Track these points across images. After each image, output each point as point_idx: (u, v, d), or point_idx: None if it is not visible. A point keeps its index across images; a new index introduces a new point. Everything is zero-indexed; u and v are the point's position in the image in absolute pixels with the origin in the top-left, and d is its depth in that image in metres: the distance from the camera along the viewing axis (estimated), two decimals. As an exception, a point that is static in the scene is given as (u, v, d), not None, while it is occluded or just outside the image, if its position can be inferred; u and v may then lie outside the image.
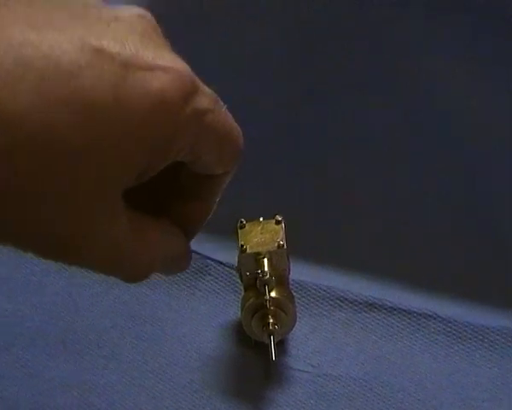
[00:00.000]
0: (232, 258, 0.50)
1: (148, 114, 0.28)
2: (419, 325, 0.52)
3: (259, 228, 0.50)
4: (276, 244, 0.49)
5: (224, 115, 0.33)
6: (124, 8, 0.31)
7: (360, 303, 0.54)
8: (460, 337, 0.52)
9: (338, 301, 0.54)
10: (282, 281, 0.50)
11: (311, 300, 0.54)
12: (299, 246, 0.50)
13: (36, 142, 0.26)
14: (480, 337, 0.51)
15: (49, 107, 0.26)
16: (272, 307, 0.49)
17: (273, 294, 0.49)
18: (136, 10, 0.31)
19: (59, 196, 0.28)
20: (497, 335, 0.51)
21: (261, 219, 0.50)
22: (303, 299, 0.54)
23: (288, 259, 0.49)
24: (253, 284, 0.49)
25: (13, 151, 0.26)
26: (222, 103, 0.33)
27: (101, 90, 0.27)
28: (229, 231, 0.50)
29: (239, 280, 0.50)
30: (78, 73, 0.26)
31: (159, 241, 0.35)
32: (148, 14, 0.32)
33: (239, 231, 0.50)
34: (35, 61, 0.26)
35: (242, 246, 0.49)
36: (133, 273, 0.35)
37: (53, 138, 0.26)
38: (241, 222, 0.50)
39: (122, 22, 0.30)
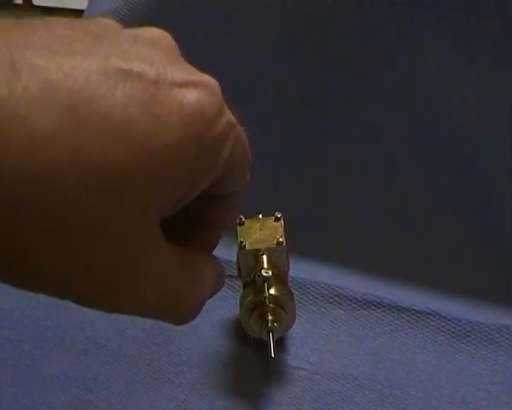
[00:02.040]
0: (231, 255, 0.50)
1: (187, 126, 0.27)
2: (418, 322, 0.52)
3: (259, 225, 0.50)
4: (276, 241, 0.49)
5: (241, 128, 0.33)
6: (143, 29, 0.30)
7: (359, 301, 0.54)
8: (459, 335, 0.52)
9: (337, 299, 0.54)
10: (281, 278, 0.49)
11: (311, 297, 0.54)
12: (299, 243, 0.49)
13: (70, 163, 0.24)
14: (480, 335, 0.51)
15: (82, 127, 0.24)
16: (271, 305, 0.49)
17: (272, 291, 0.49)
18: (155, 29, 0.30)
19: (94, 225, 0.25)
20: (497, 333, 0.51)
21: (260, 215, 0.50)
22: (302, 296, 0.54)
23: (288, 256, 0.49)
24: (252, 281, 0.49)
25: (48, 173, 0.24)
26: None
27: (133, 108, 0.26)
28: (228, 227, 0.50)
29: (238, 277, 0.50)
30: (108, 93, 0.25)
31: (205, 269, 0.34)
32: (167, 34, 0.31)
33: (238, 227, 0.50)
34: (61, 83, 0.24)
35: (241, 243, 0.49)
36: (185, 312, 0.33)
37: (89, 159, 0.24)
38: (241, 219, 0.50)
39: (144, 41, 0.29)
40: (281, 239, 0.49)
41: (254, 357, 0.51)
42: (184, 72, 0.28)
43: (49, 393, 0.49)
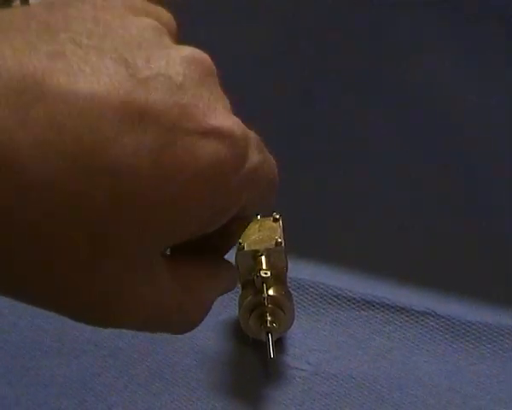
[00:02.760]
0: (229, 255, 0.50)
1: (200, 180, 0.25)
2: (417, 322, 0.52)
3: (257, 226, 0.50)
4: (274, 242, 0.49)
5: (270, 157, 0.30)
6: (180, 48, 0.27)
7: (358, 301, 0.53)
8: (459, 335, 0.52)
9: (336, 299, 0.54)
10: (279, 279, 0.49)
11: (309, 298, 0.54)
12: (297, 244, 0.50)
13: (68, 213, 0.23)
14: (479, 335, 0.51)
15: (85, 175, 0.23)
16: (270, 305, 0.49)
17: (271, 292, 0.49)
18: (190, 51, 0.27)
19: (84, 265, 0.24)
20: (496, 332, 0.51)
21: (259, 216, 0.50)
22: (301, 297, 0.54)
23: (286, 257, 0.49)
24: (251, 282, 0.49)
25: (46, 222, 0.23)
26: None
27: (141, 156, 0.24)
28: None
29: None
30: (119, 139, 0.23)
31: (213, 284, 0.33)
32: (205, 57, 0.27)
33: (237, 228, 0.50)
34: (69, 125, 0.23)
35: (240, 243, 0.49)
36: (187, 324, 0.32)
37: (87, 207, 0.23)
38: (239, 219, 0.50)
39: (174, 69, 0.26)
40: (279, 240, 0.49)
41: (253, 358, 0.51)
42: (209, 114, 0.26)
43: (49, 395, 0.49)
